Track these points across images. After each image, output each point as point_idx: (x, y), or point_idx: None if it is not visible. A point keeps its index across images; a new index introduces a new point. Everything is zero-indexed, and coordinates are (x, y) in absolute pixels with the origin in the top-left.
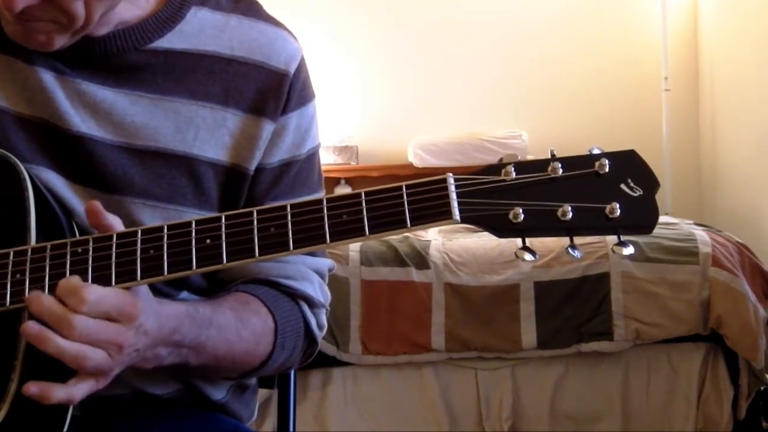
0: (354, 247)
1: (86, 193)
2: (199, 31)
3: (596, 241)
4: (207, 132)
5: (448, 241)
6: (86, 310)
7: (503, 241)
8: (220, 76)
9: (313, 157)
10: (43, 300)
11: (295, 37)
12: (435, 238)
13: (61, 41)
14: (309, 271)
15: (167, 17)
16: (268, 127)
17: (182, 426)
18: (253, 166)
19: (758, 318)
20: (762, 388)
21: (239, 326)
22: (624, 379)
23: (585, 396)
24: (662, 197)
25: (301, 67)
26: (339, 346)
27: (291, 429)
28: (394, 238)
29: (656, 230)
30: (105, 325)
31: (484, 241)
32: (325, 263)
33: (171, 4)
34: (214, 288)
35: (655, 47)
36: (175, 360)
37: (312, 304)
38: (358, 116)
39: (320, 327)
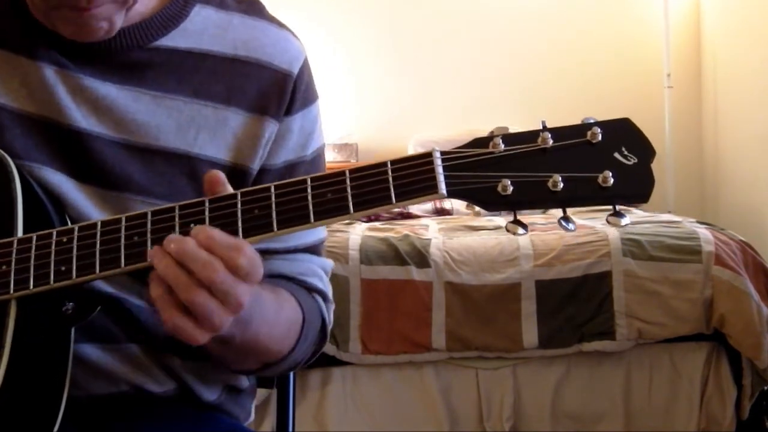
0: (354, 246)
1: (87, 190)
2: (203, 30)
3: (597, 240)
4: (209, 131)
5: (448, 240)
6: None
7: (504, 239)
8: (223, 75)
9: (319, 158)
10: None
11: (298, 38)
12: (435, 236)
13: (119, 22)
14: (317, 268)
15: (171, 15)
16: (271, 127)
17: (181, 425)
18: (255, 165)
19: (761, 317)
20: (765, 387)
21: (278, 308)
22: (626, 378)
23: (587, 396)
24: (665, 195)
25: (305, 68)
26: (339, 345)
27: (290, 429)
28: (394, 236)
29: (658, 228)
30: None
31: (484, 239)
32: (328, 263)
33: (176, 1)
34: None
35: (658, 44)
36: (228, 331)
37: (326, 299)
38: (358, 114)
39: (329, 323)
